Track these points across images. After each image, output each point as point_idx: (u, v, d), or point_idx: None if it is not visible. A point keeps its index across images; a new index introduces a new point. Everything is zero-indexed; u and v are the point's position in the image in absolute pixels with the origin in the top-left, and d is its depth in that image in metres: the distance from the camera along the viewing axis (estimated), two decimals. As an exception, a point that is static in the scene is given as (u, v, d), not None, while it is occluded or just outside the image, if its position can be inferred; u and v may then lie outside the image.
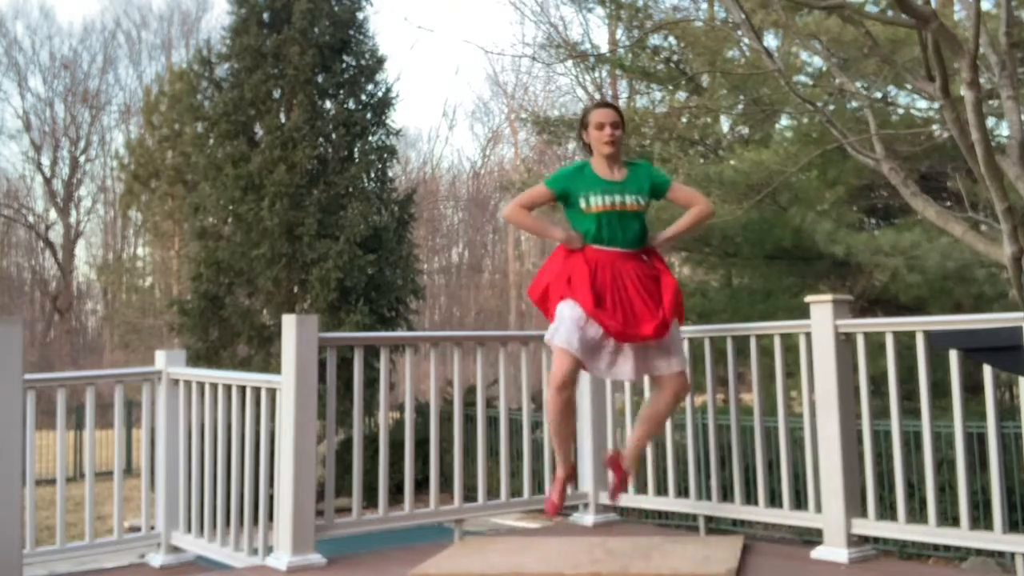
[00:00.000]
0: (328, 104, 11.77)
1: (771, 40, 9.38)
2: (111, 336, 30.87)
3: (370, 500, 4.45)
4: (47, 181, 32.63)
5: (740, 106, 9.30)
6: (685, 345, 4.81)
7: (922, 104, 7.90)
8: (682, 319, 4.14)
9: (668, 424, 4.93)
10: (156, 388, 4.87)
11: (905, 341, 4.13)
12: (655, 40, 10.65)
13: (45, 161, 32.54)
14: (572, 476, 4.21)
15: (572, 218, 4.05)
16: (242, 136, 11.47)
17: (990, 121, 7.19)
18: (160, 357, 4.94)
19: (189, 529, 4.74)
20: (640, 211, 4.01)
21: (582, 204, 3.98)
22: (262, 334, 11.05)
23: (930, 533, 3.98)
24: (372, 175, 11.81)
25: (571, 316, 3.82)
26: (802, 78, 9.21)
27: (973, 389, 4.22)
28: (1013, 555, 3.83)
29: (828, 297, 4.22)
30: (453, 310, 32.65)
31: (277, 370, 4.26)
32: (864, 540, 4.13)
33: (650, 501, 5.06)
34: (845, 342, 4.17)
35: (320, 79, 11.60)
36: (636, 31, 10.84)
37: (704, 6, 12.03)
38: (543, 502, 5.20)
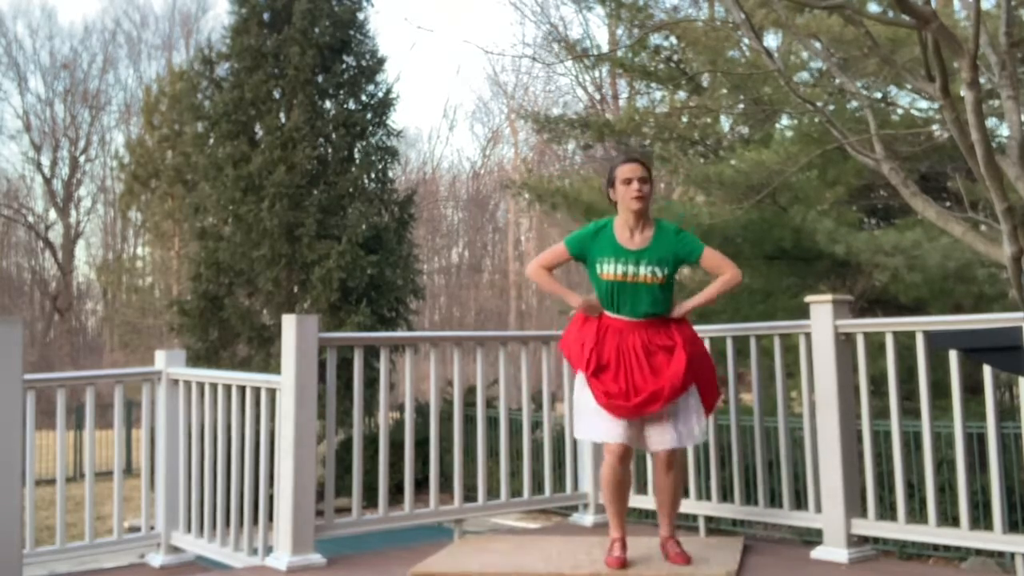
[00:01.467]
0: (328, 104, 11.77)
1: (771, 40, 9.38)
2: (111, 336, 30.88)
3: (370, 500, 4.45)
4: (47, 181, 32.65)
5: (740, 106, 9.29)
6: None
7: (922, 104, 7.91)
8: (711, 401, 3.95)
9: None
10: (156, 388, 4.87)
11: (905, 341, 4.13)
12: (655, 39, 10.65)
13: (45, 161, 32.59)
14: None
15: (592, 278, 3.98)
16: (242, 136, 11.46)
17: (990, 121, 7.19)
18: (160, 357, 4.94)
19: (189, 529, 4.74)
20: (656, 283, 3.85)
21: (596, 269, 3.90)
22: (262, 334, 11.04)
23: (930, 533, 3.98)
24: (372, 175, 11.80)
25: (590, 407, 3.83)
26: (804, 75, 9.21)
27: (973, 389, 4.22)
28: (1013, 555, 3.83)
29: (828, 297, 4.23)
30: (453, 310, 32.64)
31: (277, 370, 4.27)
32: (864, 540, 4.13)
33: (650, 501, 5.04)
34: (845, 342, 4.17)
35: (320, 79, 11.59)
36: (636, 30, 10.83)
37: (704, 6, 12.04)
38: (542, 502, 5.21)
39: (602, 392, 3.79)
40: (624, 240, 3.90)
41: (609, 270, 3.86)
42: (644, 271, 3.84)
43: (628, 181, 3.89)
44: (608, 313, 3.89)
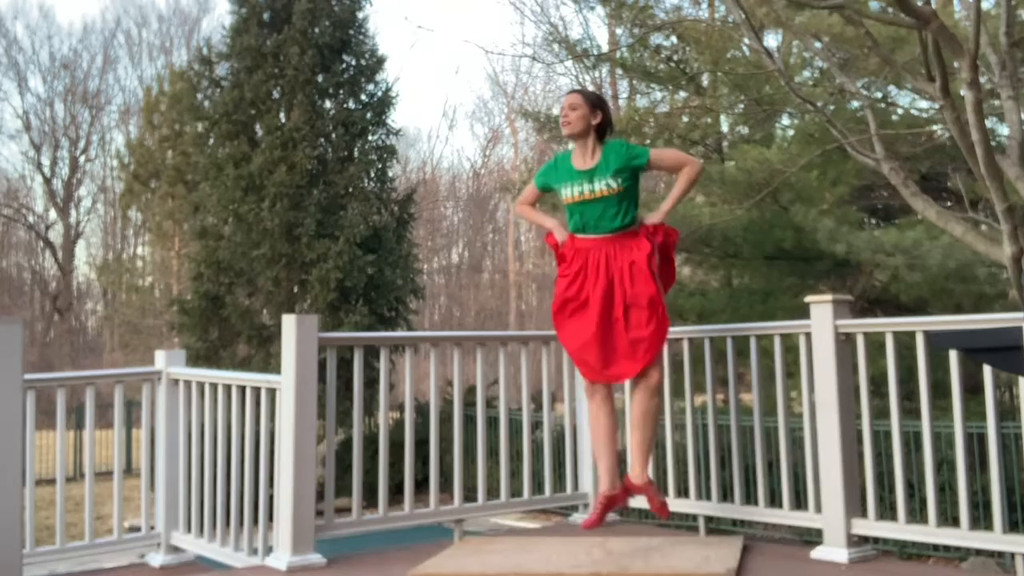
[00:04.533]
0: (328, 104, 11.78)
1: (772, 40, 9.38)
2: (111, 336, 30.88)
3: (370, 500, 4.45)
4: (47, 181, 32.66)
5: (741, 106, 9.29)
6: (685, 345, 4.82)
7: (922, 104, 7.91)
8: (670, 278, 4.17)
9: (668, 425, 4.94)
10: (156, 388, 4.87)
11: (905, 341, 4.13)
12: (656, 39, 10.65)
13: (45, 161, 32.59)
14: (617, 499, 4.13)
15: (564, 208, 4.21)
16: (242, 136, 11.47)
17: (990, 121, 7.19)
18: (160, 357, 4.93)
19: (189, 529, 4.74)
20: (614, 195, 4.01)
21: (560, 195, 4.14)
22: (262, 334, 11.05)
23: (930, 533, 3.98)
24: (372, 175, 11.81)
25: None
26: (806, 73, 9.21)
27: (973, 389, 4.21)
28: (1013, 555, 3.83)
29: (828, 297, 4.22)
30: (453, 310, 32.64)
31: (277, 370, 4.26)
32: (864, 540, 4.13)
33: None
34: (845, 342, 4.17)
35: (320, 79, 11.60)
36: (637, 30, 10.83)
37: (705, 6, 12.03)
38: (542, 502, 5.21)
39: (574, 349, 4.06)
40: (578, 164, 4.11)
41: (567, 193, 4.09)
42: (599, 186, 4.02)
43: (562, 110, 4.16)
44: (579, 235, 4.09)
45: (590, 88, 21.11)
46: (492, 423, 5.15)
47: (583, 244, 4.06)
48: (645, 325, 3.94)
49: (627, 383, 4.20)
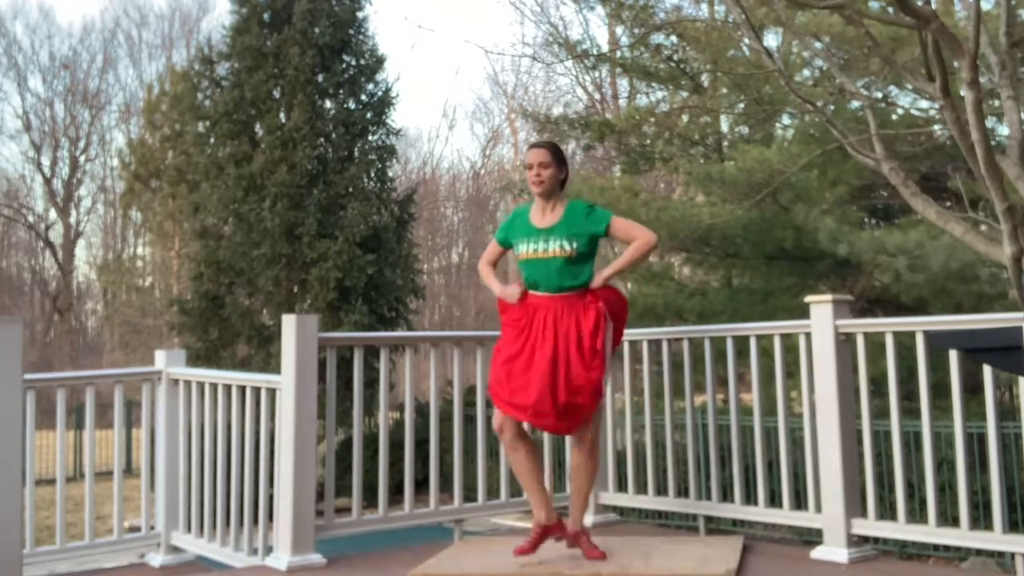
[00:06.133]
0: (328, 104, 11.77)
1: (772, 39, 9.38)
2: (111, 336, 30.87)
3: (370, 500, 4.45)
4: (47, 181, 32.64)
5: (741, 105, 9.29)
6: (685, 345, 4.81)
7: (922, 104, 7.90)
8: (617, 340, 4.09)
9: (668, 425, 4.94)
10: (156, 388, 4.87)
11: (905, 341, 4.13)
12: (656, 39, 10.65)
13: (45, 161, 32.56)
14: (553, 530, 4.05)
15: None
16: (243, 136, 11.47)
17: (990, 121, 7.18)
18: (160, 357, 4.94)
19: (189, 529, 4.74)
20: (567, 256, 3.96)
21: (515, 251, 4.11)
22: (262, 334, 11.04)
23: (930, 533, 3.98)
24: (372, 175, 11.80)
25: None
26: (806, 72, 9.20)
27: (973, 389, 4.21)
28: (1013, 555, 3.83)
29: (828, 297, 4.22)
30: (453, 310, 32.63)
31: (277, 370, 4.26)
32: (864, 540, 4.13)
33: (650, 501, 5.05)
34: (845, 342, 4.17)
35: (320, 79, 11.60)
36: (637, 30, 10.83)
37: (705, 6, 12.04)
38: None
39: (507, 392, 3.95)
40: (536, 220, 4.08)
41: (523, 249, 4.07)
42: (553, 245, 3.98)
43: (530, 167, 4.08)
44: (531, 292, 4.05)
45: (590, 88, 21.11)
46: (492, 423, 5.14)
47: (533, 300, 4.01)
48: (583, 394, 3.89)
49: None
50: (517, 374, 3.92)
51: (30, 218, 33.43)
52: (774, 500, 4.56)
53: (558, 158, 4.10)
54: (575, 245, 3.98)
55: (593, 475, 4.11)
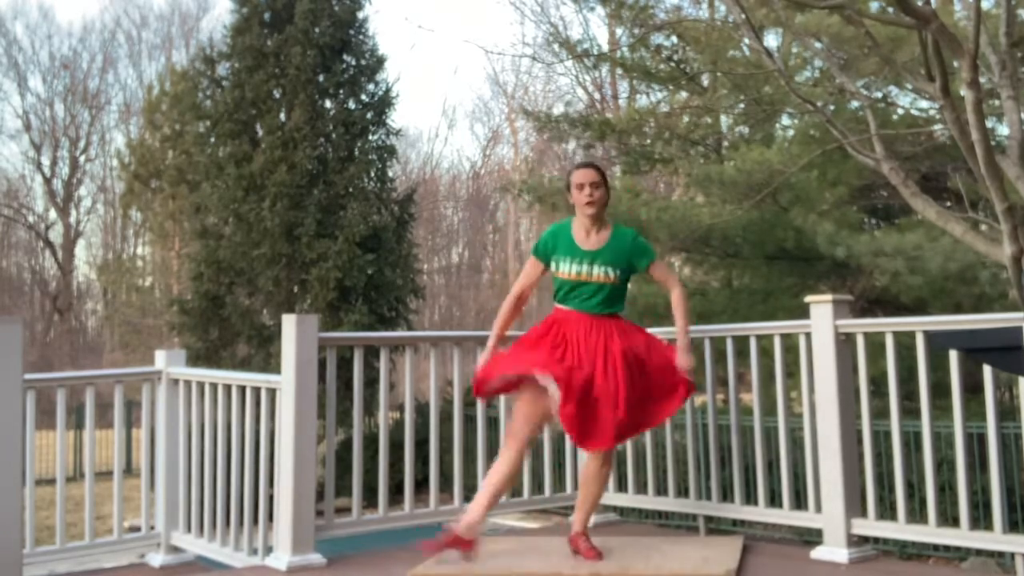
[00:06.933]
0: (328, 104, 11.77)
1: (772, 39, 9.38)
2: (111, 336, 30.86)
3: (370, 500, 4.45)
4: (47, 181, 32.63)
5: (741, 106, 9.29)
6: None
7: (922, 104, 7.91)
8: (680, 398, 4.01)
9: (668, 425, 4.94)
10: (156, 388, 4.87)
11: (905, 341, 4.13)
12: (656, 39, 10.65)
13: (45, 161, 32.55)
14: (465, 545, 3.85)
15: (554, 281, 4.09)
16: (243, 136, 11.47)
17: (990, 121, 7.18)
18: (160, 357, 4.94)
19: (189, 529, 4.74)
20: (609, 283, 3.96)
21: (554, 267, 4.04)
22: (262, 334, 11.04)
23: (930, 533, 3.98)
24: (372, 175, 11.80)
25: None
26: (806, 73, 9.20)
27: (973, 389, 4.21)
28: (1013, 555, 3.83)
29: (828, 297, 4.22)
30: (453, 310, 32.63)
31: (277, 370, 4.26)
32: (864, 540, 4.13)
33: (650, 501, 5.06)
34: (845, 342, 4.17)
35: (321, 79, 11.60)
36: (637, 30, 10.83)
37: (705, 6, 12.04)
38: (542, 502, 5.21)
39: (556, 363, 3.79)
40: (580, 240, 4.02)
41: (565, 269, 3.99)
42: (597, 271, 3.95)
43: (580, 187, 4.01)
44: (558, 305, 4.03)
45: (590, 88, 21.12)
46: (492, 423, 5.15)
47: (563, 315, 3.97)
48: (651, 422, 3.98)
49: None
50: (570, 362, 3.81)
51: (30, 218, 33.44)
52: (774, 500, 4.56)
53: (605, 176, 4.09)
54: (618, 273, 3.97)
55: (606, 482, 4.15)
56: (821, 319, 4.19)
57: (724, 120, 10.55)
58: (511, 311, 4.19)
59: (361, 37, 12.03)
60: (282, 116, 11.53)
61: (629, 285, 4.18)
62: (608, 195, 4.07)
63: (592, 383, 3.79)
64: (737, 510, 4.69)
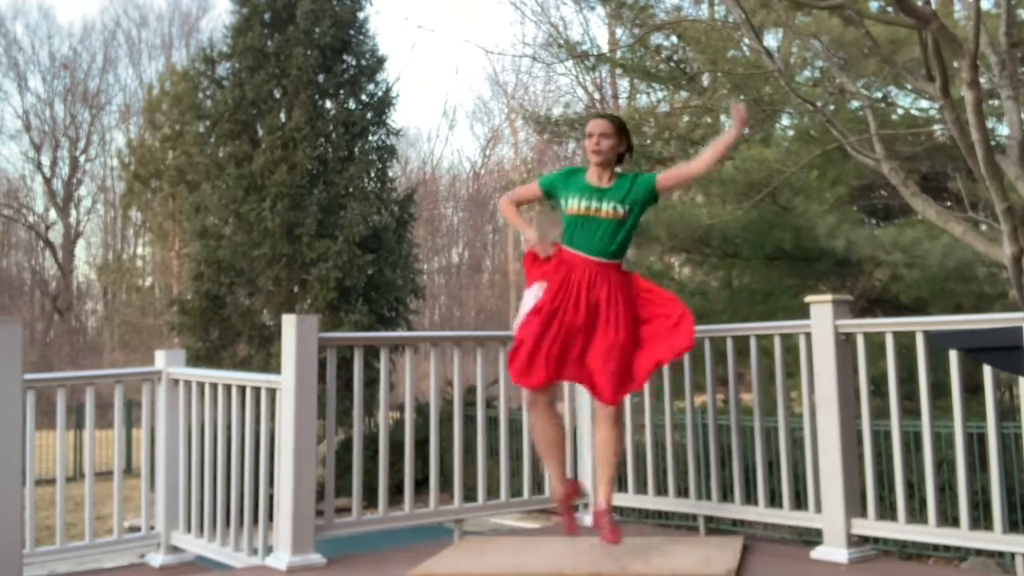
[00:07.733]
0: (328, 104, 11.78)
1: (772, 40, 9.37)
2: (111, 336, 30.87)
3: (370, 500, 4.45)
4: (47, 181, 32.63)
5: (741, 106, 9.27)
6: None
7: (922, 104, 7.90)
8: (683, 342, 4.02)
9: (668, 425, 4.94)
10: (156, 388, 4.87)
11: (905, 341, 4.13)
12: (656, 39, 10.65)
13: (45, 161, 32.55)
14: (572, 495, 4.20)
15: (562, 217, 4.16)
16: (244, 136, 11.48)
17: (990, 121, 7.18)
18: (160, 357, 4.93)
19: (189, 529, 4.74)
20: (615, 219, 4.00)
21: (563, 204, 4.11)
22: (262, 334, 11.05)
23: (930, 533, 3.98)
24: (372, 175, 11.82)
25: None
26: (806, 73, 9.20)
27: (973, 389, 4.21)
28: (1013, 555, 3.83)
29: (828, 297, 4.22)
30: (453, 310, 32.63)
31: (277, 370, 4.26)
32: (864, 540, 4.13)
33: (650, 501, 5.05)
34: (845, 342, 4.17)
35: (321, 79, 11.61)
36: (637, 30, 10.83)
37: (705, 6, 12.04)
38: (542, 502, 5.21)
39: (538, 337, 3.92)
40: (593, 181, 4.10)
41: (574, 204, 4.06)
42: (606, 206, 4.02)
43: (590, 135, 4.12)
44: (567, 248, 4.05)
45: (590, 88, 21.11)
46: (492, 423, 5.15)
47: (569, 258, 4.02)
48: (641, 376, 3.98)
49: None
50: (554, 329, 3.92)
51: (30, 218, 33.44)
52: (774, 500, 4.56)
53: (619, 128, 4.15)
54: (626, 208, 4.03)
55: (619, 446, 4.10)
56: (821, 319, 4.19)
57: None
58: (515, 209, 4.34)
59: (361, 37, 12.04)
60: (282, 116, 11.54)
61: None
62: (621, 146, 4.13)
63: (588, 339, 3.92)
64: (737, 510, 4.68)
